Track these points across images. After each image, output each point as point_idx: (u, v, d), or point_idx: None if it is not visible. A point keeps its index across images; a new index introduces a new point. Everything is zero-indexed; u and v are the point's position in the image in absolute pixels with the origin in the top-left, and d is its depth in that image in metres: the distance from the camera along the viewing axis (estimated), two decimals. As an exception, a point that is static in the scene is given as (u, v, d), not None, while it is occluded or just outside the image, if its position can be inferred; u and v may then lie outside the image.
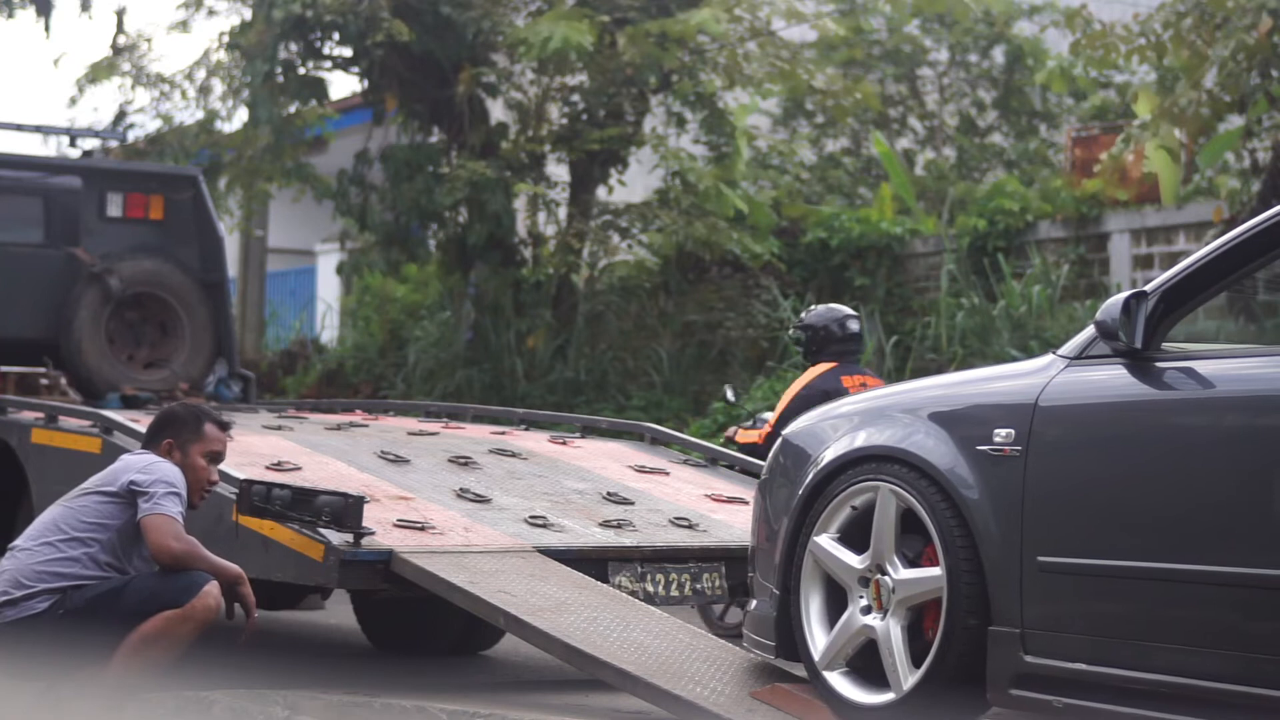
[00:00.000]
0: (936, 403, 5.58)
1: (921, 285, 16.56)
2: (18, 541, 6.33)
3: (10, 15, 18.69)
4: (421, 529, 6.88)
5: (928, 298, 16.23)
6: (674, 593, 7.11)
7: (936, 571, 5.31)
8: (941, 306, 15.50)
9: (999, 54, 20.14)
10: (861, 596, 5.55)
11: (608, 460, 8.53)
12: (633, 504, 7.70)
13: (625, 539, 7.22)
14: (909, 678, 5.35)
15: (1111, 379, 5.14)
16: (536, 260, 17.23)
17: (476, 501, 7.41)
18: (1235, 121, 14.65)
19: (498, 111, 17.50)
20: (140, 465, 6.27)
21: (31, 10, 18.66)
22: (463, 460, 8.06)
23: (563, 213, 17.13)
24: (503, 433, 9.22)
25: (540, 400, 16.18)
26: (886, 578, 5.48)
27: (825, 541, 5.67)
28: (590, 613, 6.30)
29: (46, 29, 18.72)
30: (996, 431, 5.26)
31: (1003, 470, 5.22)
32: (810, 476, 5.75)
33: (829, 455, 5.73)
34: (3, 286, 11.02)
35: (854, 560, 5.59)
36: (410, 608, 8.52)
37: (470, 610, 6.44)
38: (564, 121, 17.02)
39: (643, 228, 17.08)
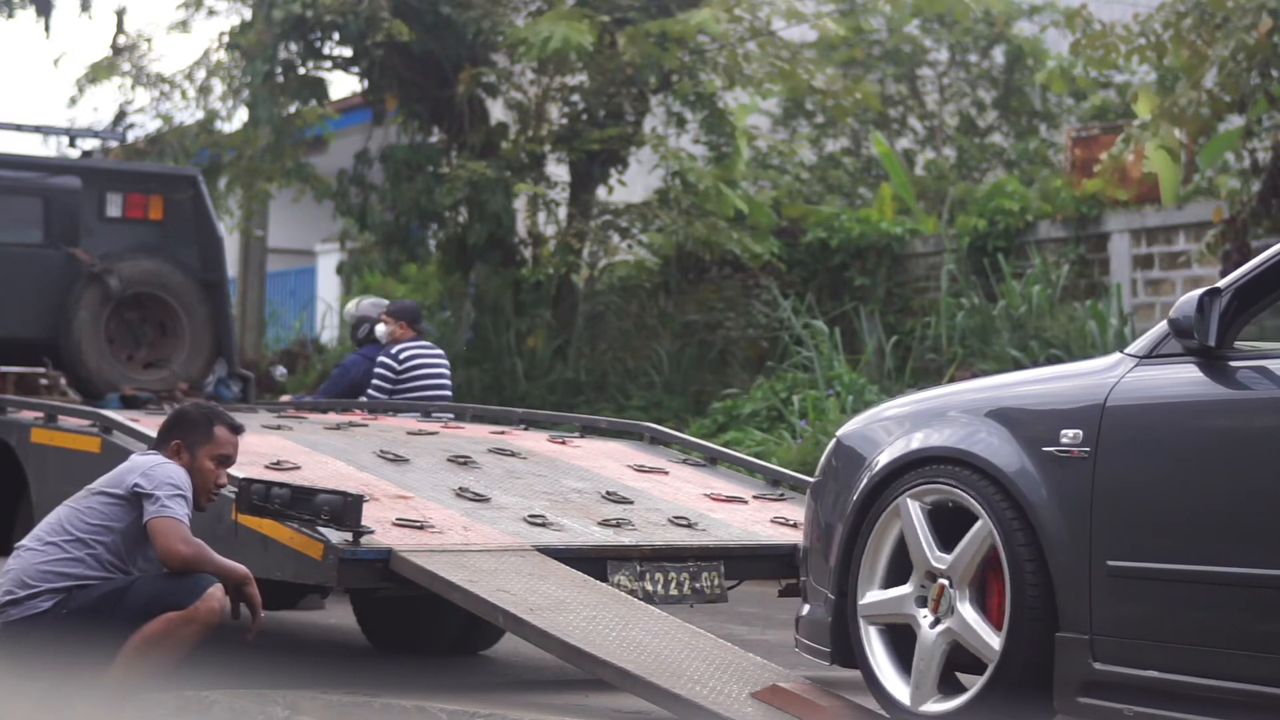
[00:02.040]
0: (998, 403, 5.44)
1: (921, 285, 16.56)
2: (24, 541, 6.32)
3: (10, 15, 18.70)
4: (420, 528, 6.87)
5: (928, 298, 16.24)
6: (673, 592, 7.11)
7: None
8: (941, 306, 15.50)
9: (999, 54, 20.15)
10: (923, 585, 5.42)
11: (607, 460, 8.53)
12: (632, 503, 7.70)
13: (624, 538, 7.22)
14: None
15: (1184, 378, 5.03)
16: (536, 260, 17.23)
17: (475, 500, 7.41)
18: (1235, 121, 14.65)
19: (498, 111, 17.51)
20: (145, 467, 6.25)
21: (31, 10, 18.67)
22: (462, 459, 8.06)
23: (563, 213, 17.14)
24: (502, 432, 9.21)
25: (540, 400, 16.18)
26: (940, 580, 5.37)
27: (914, 508, 5.48)
28: (589, 611, 6.30)
29: (46, 29, 18.74)
30: (1063, 432, 5.14)
31: (1070, 472, 5.10)
32: (865, 480, 5.63)
33: (886, 456, 5.60)
34: (2, 286, 11.02)
35: (903, 589, 5.48)
36: (410, 607, 8.52)
37: (469, 609, 6.44)
38: (564, 121, 17.02)
39: (643, 228, 17.09)
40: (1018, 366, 14.59)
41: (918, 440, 5.54)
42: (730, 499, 8.03)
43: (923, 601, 5.43)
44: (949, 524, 5.41)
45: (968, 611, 5.28)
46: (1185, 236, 14.93)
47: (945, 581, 5.34)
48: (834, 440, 6.01)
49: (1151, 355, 5.14)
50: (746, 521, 7.70)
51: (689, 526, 7.48)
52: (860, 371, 15.05)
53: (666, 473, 8.43)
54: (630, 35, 15.92)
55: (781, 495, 8.24)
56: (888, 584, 5.58)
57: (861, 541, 5.61)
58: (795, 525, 7.70)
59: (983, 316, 15.12)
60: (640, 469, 8.40)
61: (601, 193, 17.31)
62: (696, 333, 17.12)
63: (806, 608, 5.95)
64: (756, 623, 10.40)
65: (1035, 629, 5.09)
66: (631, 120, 16.91)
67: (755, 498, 8.14)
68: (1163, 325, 5.12)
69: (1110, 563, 4.98)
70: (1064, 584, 5.07)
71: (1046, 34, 20.04)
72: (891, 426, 5.74)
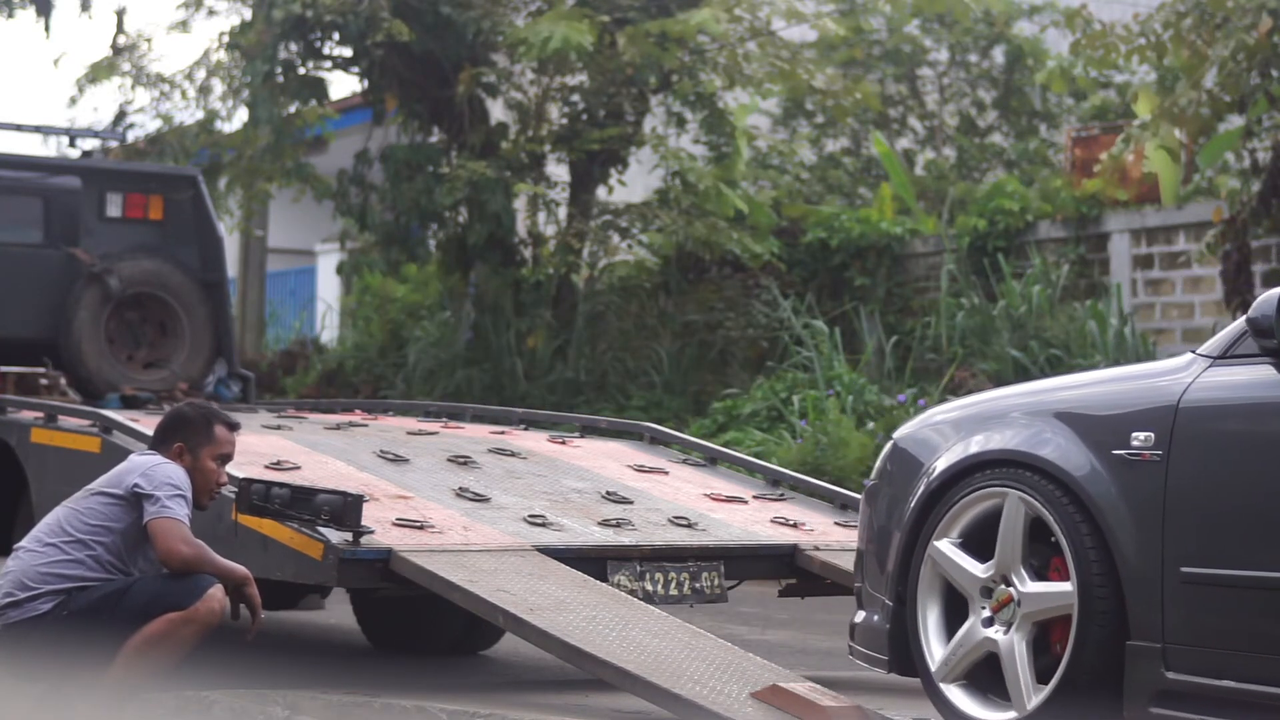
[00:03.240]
0: (1064, 404, 5.32)
1: (921, 285, 16.56)
2: (23, 542, 6.32)
3: (10, 15, 18.70)
4: (420, 528, 6.87)
5: (928, 298, 16.24)
6: (673, 592, 7.11)
7: (1067, 587, 5.07)
8: (941, 306, 15.50)
9: (999, 54, 20.15)
10: (984, 607, 5.31)
11: (607, 460, 8.53)
12: (632, 503, 7.69)
13: (624, 538, 7.22)
14: (1034, 696, 5.11)
15: (1261, 378, 4.91)
16: (536, 260, 17.23)
17: (475, 500, 7.41)
18: (1235, 121, 14.65)
19: (498, 111, 17.51)
20: (144, 467, 6.25)
21: (31, 10, 18.67)
22: (462, 459, 8.05)
23: (563, 213, 17.14)
24: (502, 432, 9.21)
25: (540, 400, 16.18)
26: (1012, 589, 5.25)
27: (945, 547, 5.42)
28: (589, 611, 6.30)
29: (46, 29, 18.74)
30: (1134, 435, 5.02)
31: (1141, 476, 4.98)
32: (924, 484, 5.50)
33: (944, 461, 5.48)
34: (3, 286, 11.01)
35: (977, 569, 5.34)
36: (410, 607, 8.52)
37: (469, 609, 6.44)
38: (564, 121, 17.02)
39: (643, 228, 17.08)
40: (1018, 366, 14.60)
41: (977, 443, 5.42)
42: (730, 499, 8.03)
43: (988, 593, 5.31)
44: (987, 536, 5.34)
45: (1020, 650, 5.18)
46: (1185, 236, 14.93)
47: (1015, 598, 5.22)
48: (889, 444, 5.88)
49: (1226, 355, 5.04)
50: (746, 521, 7.70)
51: (689, 526, 7.48)
52: (860, 371, 15.05)
53: (666, 473, 8.42)
54: (630, 35, 15.92)
55: (781, 495, 8.24)
56: (948, 600, 5.44)
57: (920, 548, 5.48)
58: (795, 525, 7.70)
59: (983, 316, 15.12)
60: (640, 469, 8.40)
61: (601, 193, 17.30)
62: (696, 333, 17.12)
63: (861, 614, 5.80)
64: (756, 623, 10.40)
65: (1103, 635, 4.99)
66: (631, 120, 16.90)
67: (755, 498, 8.14)
68: (1239, 324, 5.02)
69: (1184, 569, 4.88)
70: (1134, 590, 4.96)
71: (1046, 34, 20.03)
72: (947, 430, 5.62)
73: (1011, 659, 5.18)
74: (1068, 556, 5.07)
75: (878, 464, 5.91)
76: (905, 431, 5.85)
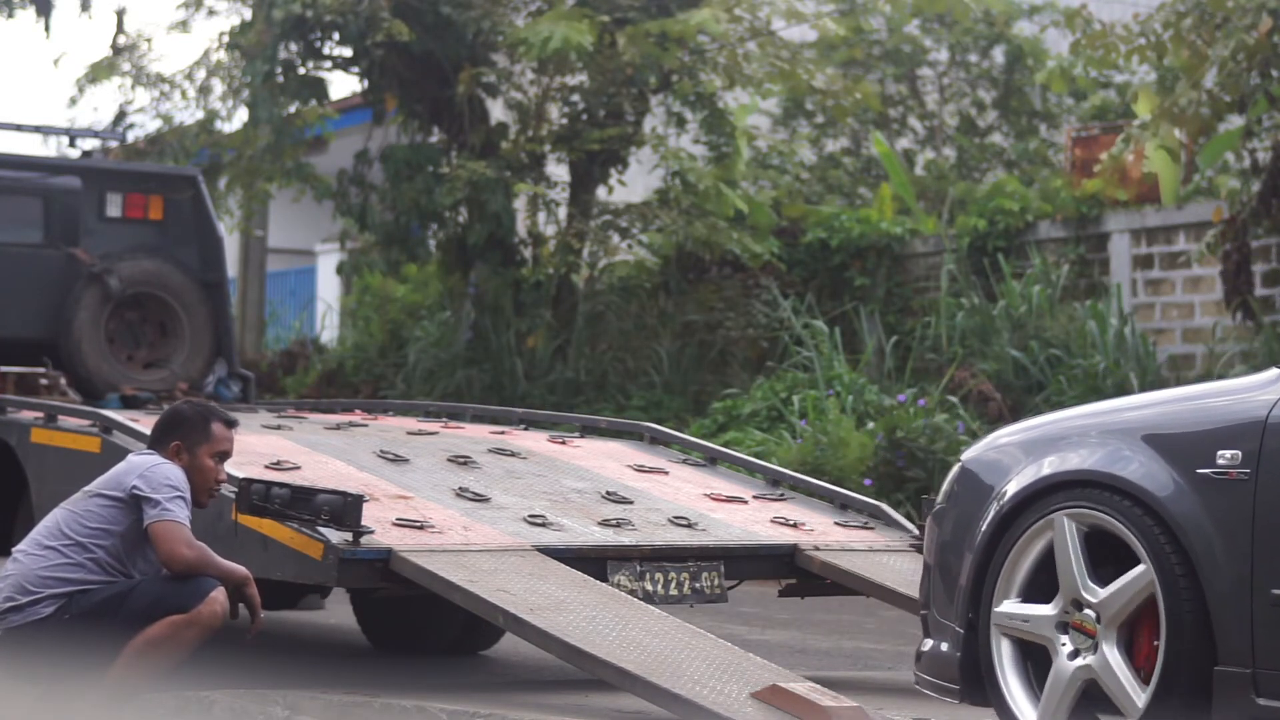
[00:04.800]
0: (1141, 423, 5.16)
1: (921, 285, 16.57)
2: (21, 545, 6.30)
3: (10, 15, 18.70)
4: (420, 528, 6.87)
5: (928, 298, 16.24)
6: (673, 592, 7.11)
7: (1140, 568, 4.94)
8: (941, 306, 15.51)
9: (999, 54, 20.15)
10: (1063, 643, 5.14)
11: (607, 459, 8.53)
12: (632, 503, 7.69)
13: (624, 538, 7.22)
14: (1141, 693, 4.94)
15: None
16: (536, 260, 17.23)
17: (475, 500, 7.41)
18: (1235, 121, 14.66)
19: (498, 111, 17.51)
20: (142, 469, 6.23)
21: (31, 10, 18.67)
22: (462, 459, 8.05)
23: (563, 213, 17.14)
24: (502, 432, 9.21)
25: (540, 400, 16.18)
26: (1087, 610, 5.09)
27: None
28: (589, 611, 6.30)
29: (46, 29, 18.75)
30: (1220, 453, 4.89)
31: (1228, 495, 4.84)
32: (995, 507, 5.32)
33: (1015, 484, 5.30)
34: (3, 286, 11.01)
35: (1045, 610, 5.17)
36: (410, 607, 8.51)
37: (469, 609, 6.44)
38: (564, 121, 17.02)
39: (643, 228, 17.09)
40: (1018, 366, 14.61)
41: (1050, 465, 5.25)
42: (730, 499, 8.03)
43: (1064, 627, 5.16)
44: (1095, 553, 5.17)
45: (1113, 656, 5.03)
46: (1185, 236, 14.93)
47: (1093, 615, 5.08)
48: (957, 466, 5.69)
49: None
50: (746, 521, 7.70)
51: (689, 526, 7.47)
52: (860, 371, 15.05)
53: (666, 473, 8.42)
54: (630, 35, 15.92)
55: (781, 495, 8.24)
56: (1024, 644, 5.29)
57: (994, 573, 5.32)
58: (795, 525, 7.71)
59: (983, 316, 15.13)
60: (640, 469, 8.40)
61: (601, 193, 17.30)
62: (696, 333, 17.12)
63: (929, 643, 5.59)
64: (756, 623, 10.40)
65: (1193, 657, 4.86)
66: (631, 120, 16.91)
67: (755, 498, 8.13)
68: None
69: (1275, 591, 4.75)
70: (1222, 614, 4.83)
71: (1046, 34, 20.03)
72: (1017, 451, 5.44)
73: (1109, 670, 5.03)
74: (1155, 581, 4.93)
75: (945, 486, 5.73)
76: (973, 454, 5.68)
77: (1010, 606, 5.27)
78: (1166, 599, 4.90)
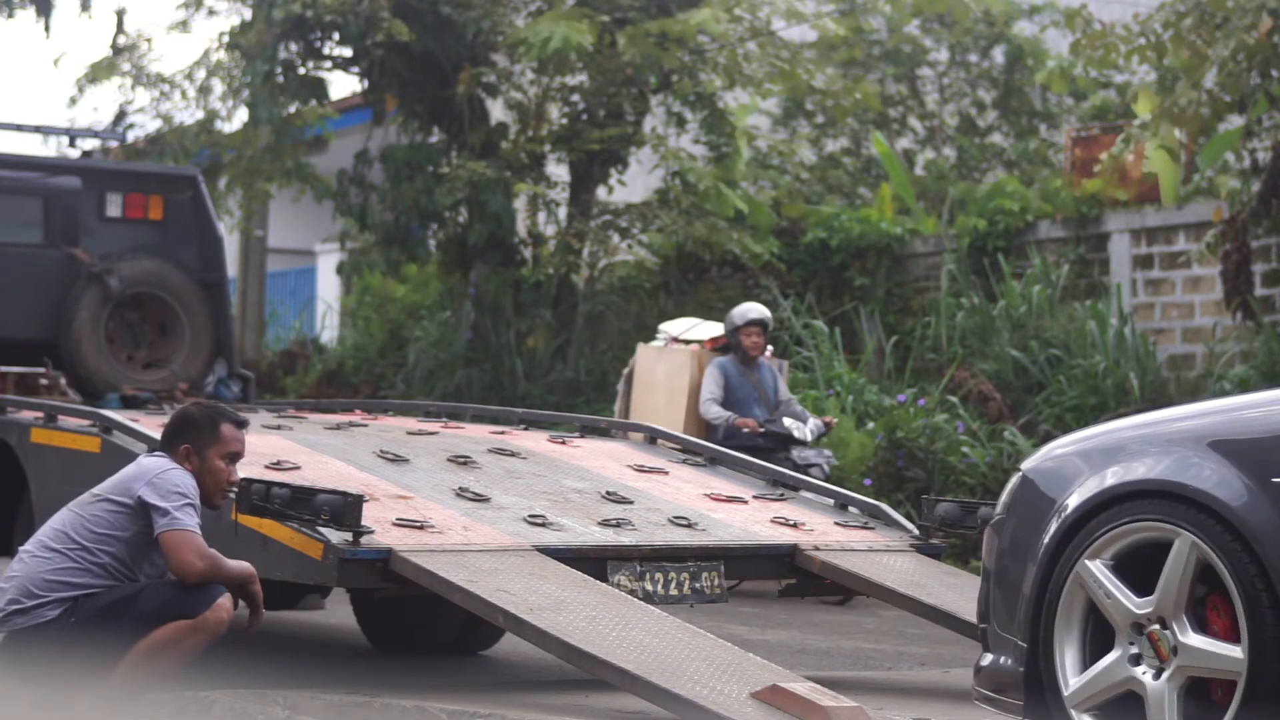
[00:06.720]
0: (1211, 431, 4.98)
1: (921, 285, 16.57)
2: (26, 546, 6.30)
3: (10, 15, 18.70)
4: (420, 528, 6.87)
5: (928, 298, 16.24)
6: (673, 592, 7.11)
7: (1237, 653, 4.73)
8: (941, 306, 15.51)
9: (999, 54, 20.16)
10: (1132, 644, 4.99)
11: (607, 459, 8.53)
12: (632, 503, 7.69)
13: (624, 538, 7.22)
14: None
15: None
16: (536, 260, 17.24)
17: (475, 500, 7.41)
18: (1235, 121, 14.66)
19: (498, 111, 17.51)
20: (151, 475, 6.21)
21: (31, 10, 18.67)
22: (462, 459, 8.05)
23: (563, 213, 17.14)
24: (502, 432, 9.21)
25: (540, 400, 16.18)
26: (1168, 633, 4.91)
27: (1098, 569, 5.05)
28: (589, 611, 6.30)
29: (46, 29, 18.73)
30: None
31: None
32: (1058, 519, 5.16)
33: (1078, 496, 5.13)
34: (3, 286, 11.01)
35: (1133, 602, 4.98)
36: (410, 607, 8.51)
37: (469, 609, 6.44)
38: (564, 121, 17.03)
39: (643, 228, 17.09)
40: (1018, 366, 14.61)
41: (1114, 474, 5.07)
42: (730, 499, 8.03)
43: (1137, 660, 4.99)
44: (1138, 568, 5.02)
45: (1193, 638, 4.87)
46: (1185, 236, 14.93)
47: (1156, 625, 4.94)
48: (1017, 476, 5.51)
49: None
50: (746, 521, 7.70)
51: (689, 526, 7.47)
52: (860, 371, 15.06)
53: (666, 473, 8.42)
54: (630, 35, 15.92)
55: (781, 495, 8.24)
56: (1090, 636, 5.13)
57: (1056, 586, 5.16)
58: (795, 525, 7.71)
59: (983, 316, 15.13)
60: (640, 469, 8.40)
61: (601, 193, 17.31)
62: (697, 333, 17.11)
63: (989, 657, 5.42)
64: (756, 623, 10.40)
65: (1273, 698, 4.66)
66: (631, 120, 16.91)
67: (755, 498, 8.13)
68: None
69: None
70: None
71: (1046, 34, 20.04)
72: (1078, 461, 5.28)
73: (1160, 709, 4.88)
74: (1237, 604, 4.77)
75: (1004, 497, 5.55)
76: (1032, 463, 5.50)
77: (1080, 681, 5.09)
78: (1252, 634, 4.74)
